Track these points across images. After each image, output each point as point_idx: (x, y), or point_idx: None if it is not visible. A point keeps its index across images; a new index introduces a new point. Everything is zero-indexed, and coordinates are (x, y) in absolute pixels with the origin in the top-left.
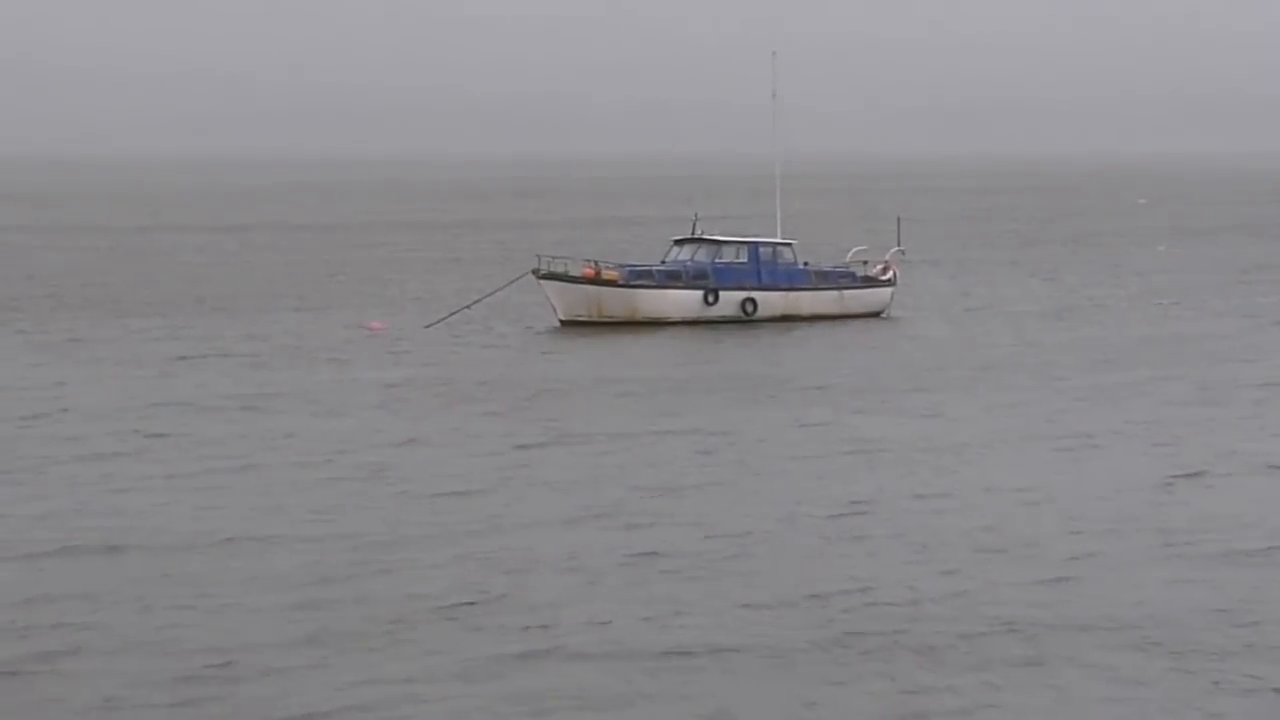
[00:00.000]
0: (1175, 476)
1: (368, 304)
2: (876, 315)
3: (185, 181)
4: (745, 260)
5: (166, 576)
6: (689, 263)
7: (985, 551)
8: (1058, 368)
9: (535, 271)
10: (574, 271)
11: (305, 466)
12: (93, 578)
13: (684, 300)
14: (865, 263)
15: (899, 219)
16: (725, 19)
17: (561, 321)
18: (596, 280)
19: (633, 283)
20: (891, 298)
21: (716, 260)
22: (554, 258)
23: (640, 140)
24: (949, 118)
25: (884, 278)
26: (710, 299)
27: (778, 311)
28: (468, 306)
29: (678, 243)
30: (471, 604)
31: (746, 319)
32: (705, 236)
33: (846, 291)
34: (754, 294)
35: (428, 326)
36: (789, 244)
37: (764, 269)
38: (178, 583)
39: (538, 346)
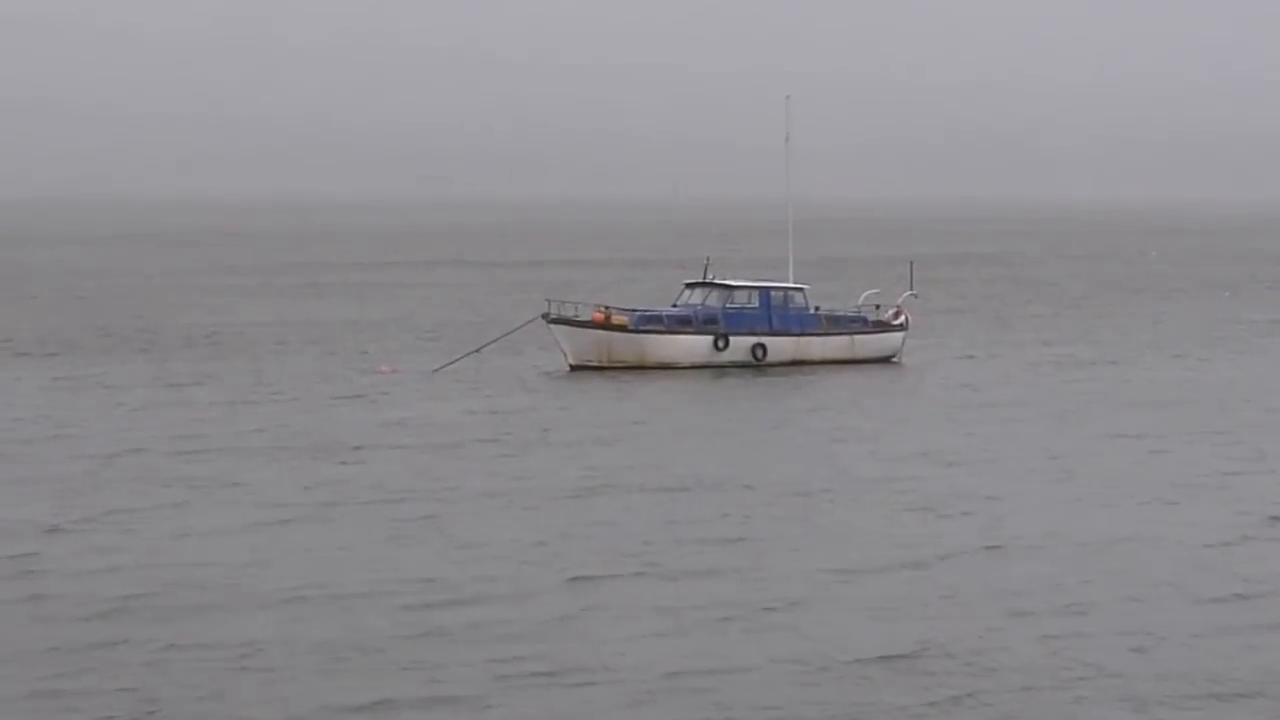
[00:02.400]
0: (1207, 526)
1: (387, 347)
2: (888, 360)
3: (221, 223)
4: (756, 305)
5: (223, 637)
6: (699, 308)
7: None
8: (1081, 413)
9: (545, 316)
10: (584, 316)
11: (342, 520)
12: (150, 632)
13: (693, 345)
14: (878, 306)
15: (911, 263)
16: (726, 58)
17: (571, 366)
18: (606, 325)
19: (642, 328)
20: (903, 342)
21: (727, 305)
22: (564, 302)
23: (649, 180)
24: (945, 159)
25: (896, 322)
26: (720, 344)
27: (788, 356)
28: (477, 350)
29: (689, 286)
30: (522, 658)
31: (756, 364)
32: (716, 281)
33: (857, 337)
34: (764, 339)
35: (436, 371)
36: (800, 289)
37: (775, 314)
38: (234, 645)
39: (554, 392)
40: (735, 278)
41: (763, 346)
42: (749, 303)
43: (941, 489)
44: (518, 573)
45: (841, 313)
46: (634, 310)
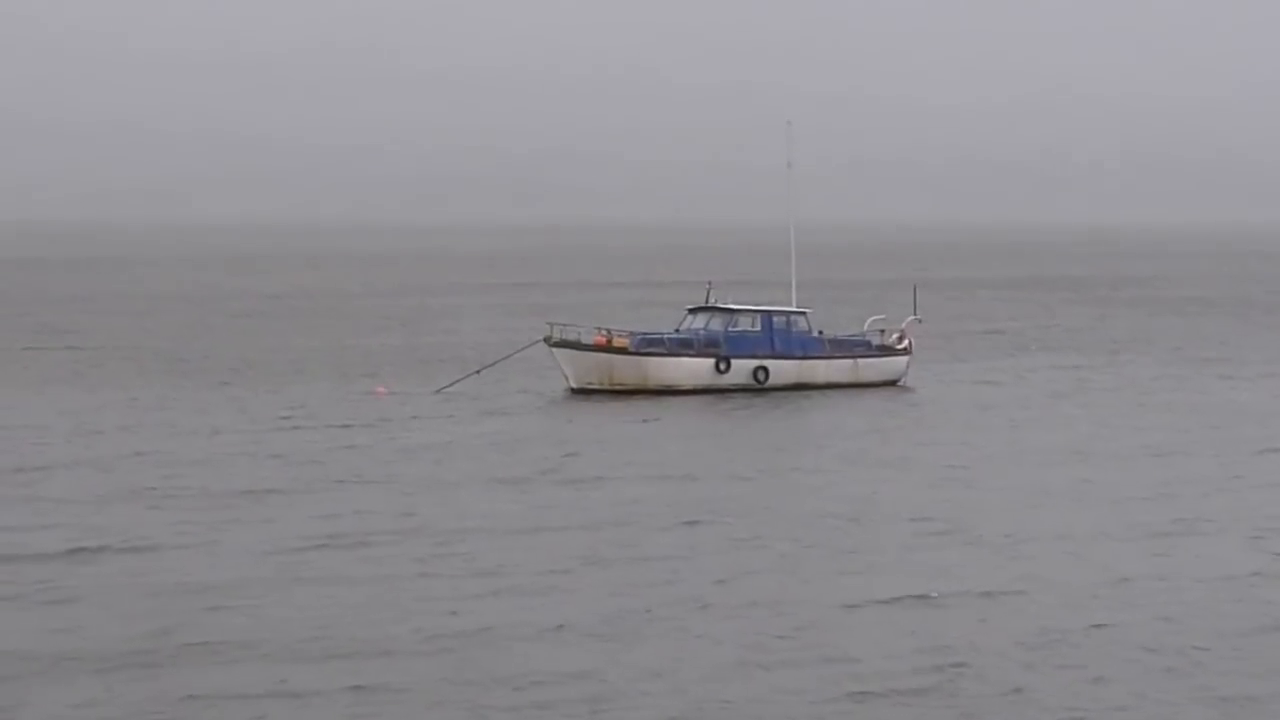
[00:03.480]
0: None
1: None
2: (893, 383)
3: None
4: (758, 329)
5: (256, 672)
6: (701, 331)
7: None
8: (1095, 435)
9: (547, 339)
10: (586, 339)
11: (367, 550)
12: (182, 668)
13: (695, 368)
14: (883, 331)
15: (915, 287)
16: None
17: (573, 389)
18: (608, 348)
19: (643, 350)
20: (908, 366)
21: (730, 328)
22: (565, 325)
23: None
24: (939, 181)
25: (900, 346)
26: (722, 367)
27: (790, 380)
28: (477, 372)
29: (692, 311)
30: (567, 690)
31: (759, 387)
32: (718, 305)
33: (861, 360)
34: (766, 362)
35: (437, 391)
36: (803, 312)
37: (777, 337)
38: (268, 681)
39: (561, 416)
40: (738, 301)
41: (765, 369)
42: (751, 326)
43: (961, 517)
44: (554, 606)
45: (845, 336)
46: (635, 333)
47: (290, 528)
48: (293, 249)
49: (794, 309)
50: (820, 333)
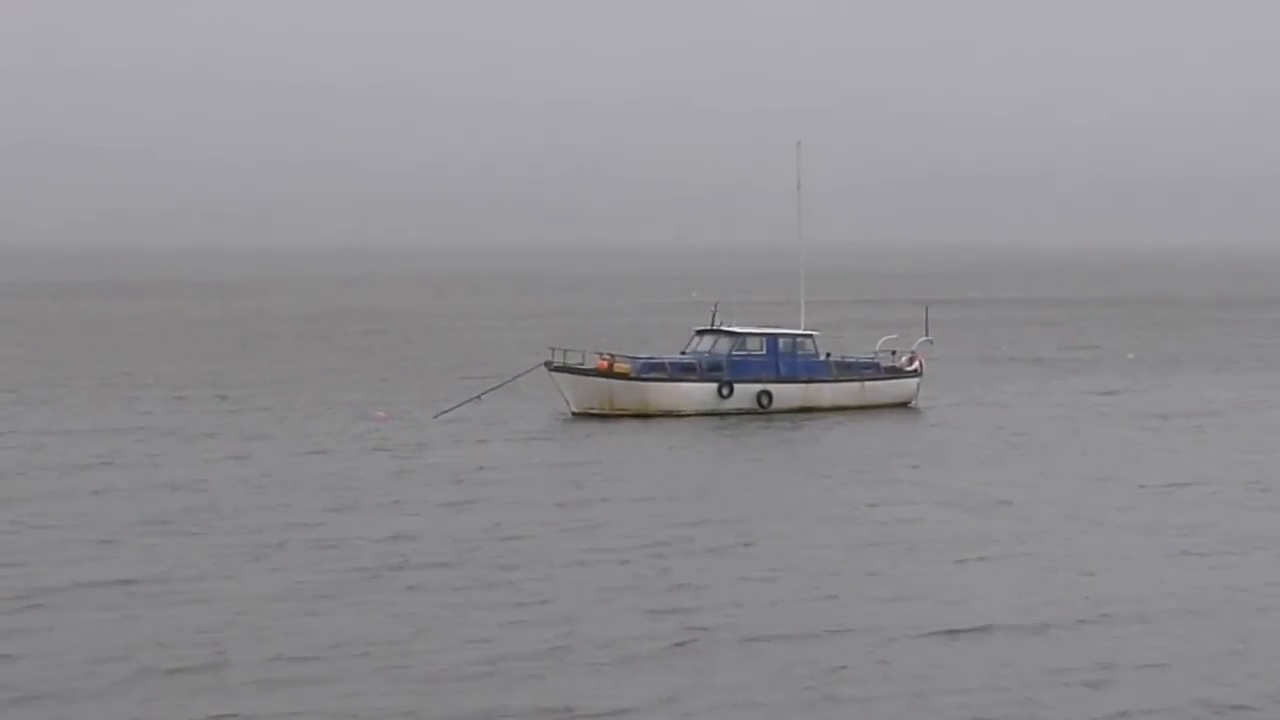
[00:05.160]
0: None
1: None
2: (903, 405)
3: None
4: (763, 352)
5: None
6: (705, 355)
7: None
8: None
9: (548, 363)
10: (588, 363)
11: (404, 581)
12: (234, 705)
13: (697, 393)
14: (894, 352)
15: (926, 308)
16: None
17: (574, 413)
18: (609, 373)
19: (644, 376)
20: (918, 388)
21: (734, 352)
22: (567, 350)
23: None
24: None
25: (910, 368)
26: (724, 392)
27: (795, 403)
28: (478, 397)
29: (699, 333)
30: None
31: (763, 411)
32: (724, 328)
33: (869, 383)
34: (770, 386)
35: (437, 416)
36: (810, 335)
37: (782, 361)
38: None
39: (571, 442)
40: (743, 324)
41: (768, 394)
42: (756, 349)
43: (1002, 542)
44: (599, 636)
45: (854, 359)
46: (637, 358)
47: (300, 558)
48: (330, 272)
49: (801, 331)
50: (827, 355)
